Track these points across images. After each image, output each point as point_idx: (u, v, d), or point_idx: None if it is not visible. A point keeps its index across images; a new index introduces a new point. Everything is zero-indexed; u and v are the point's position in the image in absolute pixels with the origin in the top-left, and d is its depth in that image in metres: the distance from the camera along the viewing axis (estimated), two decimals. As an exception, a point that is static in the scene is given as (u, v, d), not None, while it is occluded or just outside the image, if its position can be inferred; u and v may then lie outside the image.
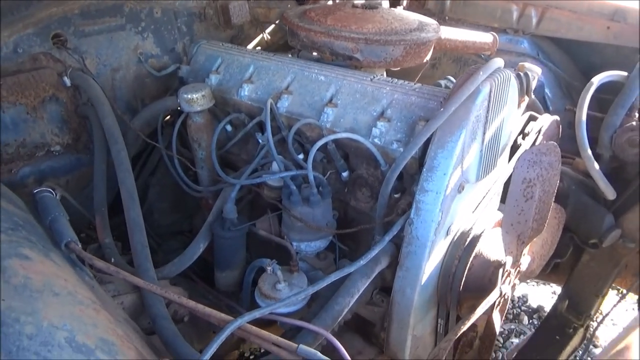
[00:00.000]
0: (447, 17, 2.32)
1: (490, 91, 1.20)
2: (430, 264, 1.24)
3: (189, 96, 1.58)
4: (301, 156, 1.44)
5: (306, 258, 1.47)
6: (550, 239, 1.54)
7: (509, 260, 1.28)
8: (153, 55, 1.96)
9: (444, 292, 1.31)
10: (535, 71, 1.59)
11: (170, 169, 1.73)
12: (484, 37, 1.82)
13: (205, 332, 1.47)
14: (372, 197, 1.41)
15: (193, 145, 1.69)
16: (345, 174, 1.45)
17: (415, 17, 1.69)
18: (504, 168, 1.42)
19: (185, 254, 1.42)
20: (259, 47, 2.27)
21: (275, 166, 1.45)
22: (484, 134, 1.24)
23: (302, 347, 0.92)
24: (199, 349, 1.34)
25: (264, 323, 1.22)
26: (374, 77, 1.44)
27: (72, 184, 1.83)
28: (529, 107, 1.84)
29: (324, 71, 1.53)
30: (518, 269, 1.34)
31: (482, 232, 1.32)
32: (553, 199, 1.28)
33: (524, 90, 1.44)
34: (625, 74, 1.70)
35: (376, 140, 1.33)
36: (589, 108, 1.80)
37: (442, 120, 1.15)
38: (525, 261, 1.37)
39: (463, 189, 1.25)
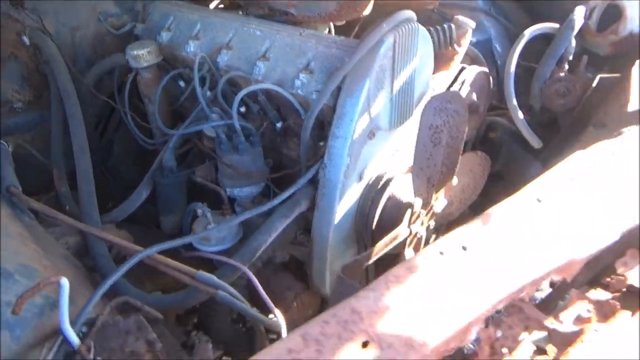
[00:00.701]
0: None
1: (395, 42, 1.27)
2: (343, 204, 1.35)
3: (135, 52, 1.67)
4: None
5: (243, 203, 1.58)
6: (473, 185, 1.63)
7: (417, 202, 1.37)
8: (112, 15, 2.03)
9: (361, 231, 1.42)
10: (468, 24, 1.65)
11: (127, 124, 1.84)
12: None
13: (158, 273, 1.61)
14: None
15: (144, 100, 1.79)
16: (279, 125, 1.54)
17: None
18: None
19: (129, 200, 1.54)
20: (221, 5, 2.33)
21: (213, 118, 1.55)
22: (392, 83, 1.32)
23: (200, 272, 1.04)
24: (151, 289, 1.48)
25: (202, 261, 1.35)
26: (302, 32, 1.51)
27: (37, 139, 1.95)
28: (471, 60, 1.90)
29: (261, 26, 1.60)
30: (431, 210, 1.44)
31: (394, 175, 1.41)
32: (462, 145, 1.37)
33: (446, 42, 1.50)
34: (557, 26, 1.74)
35: (299, 91, 1.42)
36: (533, 60, 1.86)
37: (347, 69, 1.23)
38: (440, 204, 1.47)
39: (374, 136, 1.34)
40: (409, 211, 1.36)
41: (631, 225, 0.89)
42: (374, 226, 1.40)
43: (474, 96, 1.68)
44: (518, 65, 1.82)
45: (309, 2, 1.59)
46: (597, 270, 0.85)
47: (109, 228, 1.54)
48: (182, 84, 1.79)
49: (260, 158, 1.51)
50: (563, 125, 1.74)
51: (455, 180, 1.59)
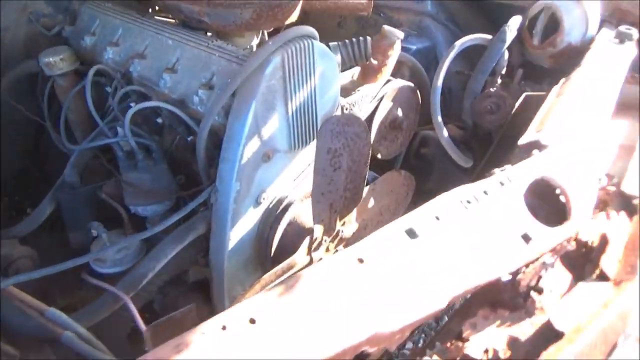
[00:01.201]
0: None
1: (284, 61, 1.19)
2: (238, 230, 1.28)
3: (47, 60, 1.61)
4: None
5: (152, 222, 1.52)
6: (394, 206, 1.55)
7: (317, 229, 1.30)
8: (45, 15, 1.96)
9: (261, 257, 1.36)
10: (396, 35, 1.56)
11: (48, 129, 1.78)
12: (360, -4, 1.76)
13: (72, 288, 1.56)
14: (209, 162, 1.44)
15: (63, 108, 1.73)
16: (189, 139, 1.48)
17: None
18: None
19: (33, 215, 1.49)
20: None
21: (120, 132, 1.48)
22: (287, 103, 1.24)
23: (52, 311, 0.99)
24: (63, 305, 1.43)
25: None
26: (209, 43, 1.44)
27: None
28: (410, 70, 1.81)
29: (173, 35, 1.53)
30: (338, 236, 1.37)
31: (295, 199, 1.34)
32: (366, 168, 1.29)
33: (361, 56, 1.41)
34: (490, 37, 1.65)
35: (199, 107, 1.35)
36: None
37: (231, 90, 1.16)
38: (350, 228, 1.40)
39: (270, 158, 1.27)
40: (307, 238, 1.30)
41: (480, 283, 0.81)
42: (272, 253, 1.33)
43: (399, 111, 1.60)
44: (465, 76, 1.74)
45: (222, 9, 1.51)
46: (440, 331, 0.78)
47: (12, 243, 1.50)
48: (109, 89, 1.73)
49: (165, 175, 1.44)
50: (495, 142, 1.65)
51: (371, 202, 1.52)
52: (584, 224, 0.97)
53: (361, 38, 1.43)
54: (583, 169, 1.07)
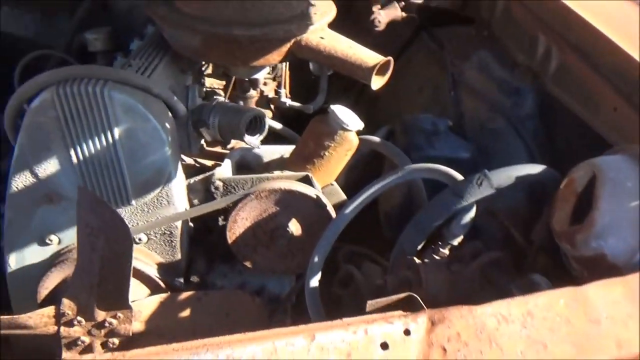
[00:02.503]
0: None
1: (58, 101, 0.97)
2: (15, 257, 1.16)
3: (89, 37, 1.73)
4: None
5: None
6: (219, 333, 1.13)
7: (66, 303, 1.06)
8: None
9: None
10: (340, 123, 1.15)
11: None
12: (368, 59, 1.28)
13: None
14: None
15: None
16: None
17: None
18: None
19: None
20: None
21: None
22: (69, 150, 1.02)
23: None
24: None
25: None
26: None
27: None
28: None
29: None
30: (106, 327, 1.09)
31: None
32: (129, 271, 0.98)
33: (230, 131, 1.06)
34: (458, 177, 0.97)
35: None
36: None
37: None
38: (126, 326, 1.10)
39: (53, 202, 1.08)
40: (55, 309, 1.08)
41: None
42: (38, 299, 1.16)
43: (291, 224, 1.13)
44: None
45: (172, 30, 1.33)
46: None
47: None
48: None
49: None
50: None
51: (186, 311, 1.16)
52: None
53: (233, 106, 1.06)
54: None
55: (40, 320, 1.08)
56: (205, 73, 1.61)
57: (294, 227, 1.14)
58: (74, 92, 0.96)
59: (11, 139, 1.08)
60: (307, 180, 1.16)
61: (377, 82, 1.28)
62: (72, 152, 1.02)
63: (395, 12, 1.70)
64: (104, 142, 1.02)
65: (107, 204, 0.94)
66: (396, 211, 1.37)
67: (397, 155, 1.27)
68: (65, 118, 0.99)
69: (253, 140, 1.11)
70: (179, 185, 1.12)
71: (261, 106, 1.61)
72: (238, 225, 1.14)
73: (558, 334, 0.70)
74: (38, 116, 0.99)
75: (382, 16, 1.66)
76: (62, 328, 1.09)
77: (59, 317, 1.09)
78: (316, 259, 1.04)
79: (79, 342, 1.12)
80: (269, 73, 1.58)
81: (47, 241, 1.15)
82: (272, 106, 1.65)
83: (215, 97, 1.26)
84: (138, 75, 1.02)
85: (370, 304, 0.85)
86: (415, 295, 0.82)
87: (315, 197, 1.11)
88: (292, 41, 1.33)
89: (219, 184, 1.15)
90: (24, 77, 1.38)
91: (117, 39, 1.57)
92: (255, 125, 1.13)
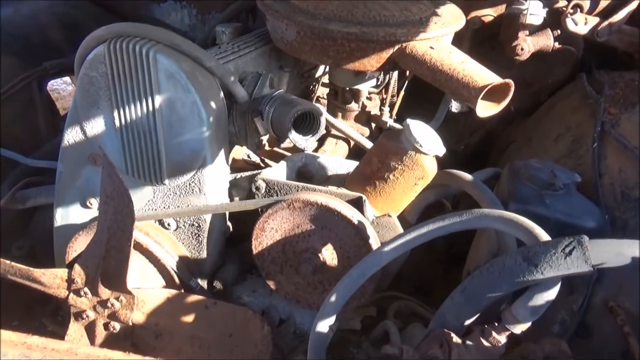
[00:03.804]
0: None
1: (109, 56, 0.92)
2: (61, 213, 1.15)
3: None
4: None
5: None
6: (215, 348, 0.96)
7: (76, 268, 1.01)
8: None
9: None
10: (413, 142, 0.98)
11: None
12: (479, 78, 1.02)
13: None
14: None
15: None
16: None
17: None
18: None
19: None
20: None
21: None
22: (112, 111, 0.97)
23: None
24: None
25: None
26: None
27: None
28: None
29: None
30: (109, 306, 1.01)
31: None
32: (128, 246, 0.89)
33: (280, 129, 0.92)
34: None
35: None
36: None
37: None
38: (126, 314, 1.00)
39: (97, 164, 1.04)
40: (68, 273, 1.03)
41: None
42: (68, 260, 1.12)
43: (322, 248, 0.92)
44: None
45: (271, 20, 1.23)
46: None
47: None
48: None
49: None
50: None
51: (190, 316, 1.03)
52: None
53: (292, 98, 0.90)
54: None
55: (53, 280, 1.04)
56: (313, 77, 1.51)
57: (328, 254, 0.94)
58: (122, 48, 0.91)
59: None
60: (358, 202, 0.94)
61: (484, 108, 1.02)
62: (116, 114, 0.97)
63: (546, 41, 1.39)
64: (145, 108, 0.94)
65: (119, 173, 0.85)
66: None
67: (488, 201, 0.98)
68: (113, 75, 0.94)
69: (301, 140, 0.94)
70: (214, 174, 1.00)
71: (361, 122, 1.44)
72: (266, 235, 0.97)
73: None
74: (90, 70, 0.95)
75: (529, 43, 1.37)
76: (70, 295, 1.04)
77: (69, 282, 1.04)
78: (333, 299, 0.82)
79: (85, 316, 1.06)
80: (375, 87, 1.40)
81: (88, 204, 1.11)
82: (372, 125, 1.46)
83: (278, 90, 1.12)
84: (192, 43, 0.93)
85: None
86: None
87: (357, 222, 0.89)
88: (396, 47, 1.15)
89: (262, 184, 1.00)
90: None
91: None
92: (308, 122, 0.96)
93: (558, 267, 0.66)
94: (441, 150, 0.94)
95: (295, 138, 0.93)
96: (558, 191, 1.03)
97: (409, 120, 0.94)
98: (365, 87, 1.36)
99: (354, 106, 1.40)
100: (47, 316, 1.43)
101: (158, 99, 0.93)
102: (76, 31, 1.78)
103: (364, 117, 1.44)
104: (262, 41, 1.30)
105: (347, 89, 1.36)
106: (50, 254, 1.21)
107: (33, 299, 1.27)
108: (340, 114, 1.42)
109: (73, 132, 1.04)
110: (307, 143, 0.95)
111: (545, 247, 0.68)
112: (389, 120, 1.42)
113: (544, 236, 0.72)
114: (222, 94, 0.99)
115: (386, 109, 1.43)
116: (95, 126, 1.01)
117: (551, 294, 0.69)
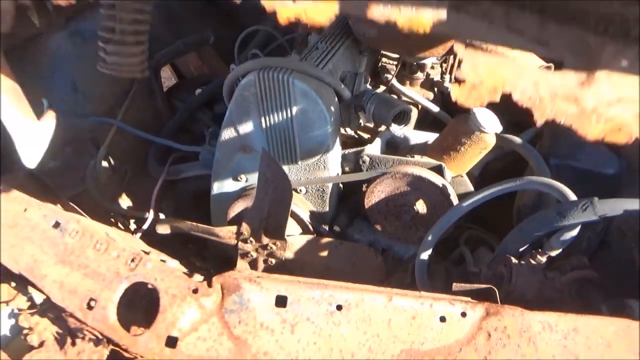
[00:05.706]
0: None
1: (258, 82, 1.30)
2: (217, 186, 1.60)
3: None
4: None
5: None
6: (340, 277, 1.43)
7: (244, 227, 1.46)
8: None
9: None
10: (478, 125, 1.35)
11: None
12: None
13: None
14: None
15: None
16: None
17: None
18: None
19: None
20: None
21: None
22: (260, 117, 1.37)
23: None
24: None
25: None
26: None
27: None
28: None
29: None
30: (268, 249, 1.48)
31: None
32: (286, 212, 1.33)
33: (380, 119, 1.30)
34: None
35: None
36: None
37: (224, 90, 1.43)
38: (280, 252, 1.47)
39: (247, 152, 1.47)
40: (237, 228, 1.49)
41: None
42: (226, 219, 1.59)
43: (418, 204, 1.34)
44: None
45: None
46: None
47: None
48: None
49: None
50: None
51: (323, 252, 1.49)
52: None
53: (387, 97, 1.28)
54: None
55: (226, 233, 1.51)
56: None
57: (420, 206, 1.36)
58: (268, 77, 1.30)
59: (226, 102, 1.48)
60: (439, 169, 1.35)
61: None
62: (263, 119, 1.38)
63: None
64: (284, 115, 1.35)
65: (278, 163, 1.27)
66: (527, 208, 1.47)
67: (534, 159, 1.36)
68: (262, 95, 1.33)
69: (398, 130, 1.33)
70: (334, 155, 1.41)
71: (426, 87, 1.78)
72: (375, 195, 1.40)
73: (594, 353, 0.82)
74: (244, 91, 1.35)
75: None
76: (239, 242, 1.51)
77: (238, 234, 1.50)
78: (429, 238, 1.25)
79: (249, 255, 1.53)
80: (437, 58, 1.73)
81: (239, 178, 1.56)
82: (435, 89, 1.81)
83: (374, 89, 1.49)
84: (315, 67, 1.31)
85: (456, 285, 1.05)
86: (495, 290, 1.00)
87: (441, 185, 1.30)
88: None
89: (367, 158, 1.41)
90: (241, 48, 1.79)
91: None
92: (402, 117, 1.35)
93: (576, 217, 1.06)
94: (499, 128, 1.31)
95: (394, 129, 1.32)
96: (584, 146, 1.39)
97: (475, 108, 1.30)
98: (429, 61, 1.70)
99: (420, 75, 1.75)
100: (194, 256, 1.94)
101: (294, 109, 1.33)
102: (176, 23, 2.14)
103: (428, 84, 1.79)
104: (344, 35, 1.64)
105: (415, 63, 1.70)
106: (189, 211, 1.67)
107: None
108: (408, 82, 1.77)
109: (228, 131, 1.46)
110: (402, 131, 1.34)
111: (570, 205, 1.07)
112: (449, 85, 1.76)
113: (572, 196, 1.11)
114: (336, 98, 1.37)
115: (447, 76, 1.77)
116: (246, 127, 1.43)
117: (574, 232, 1.10)
